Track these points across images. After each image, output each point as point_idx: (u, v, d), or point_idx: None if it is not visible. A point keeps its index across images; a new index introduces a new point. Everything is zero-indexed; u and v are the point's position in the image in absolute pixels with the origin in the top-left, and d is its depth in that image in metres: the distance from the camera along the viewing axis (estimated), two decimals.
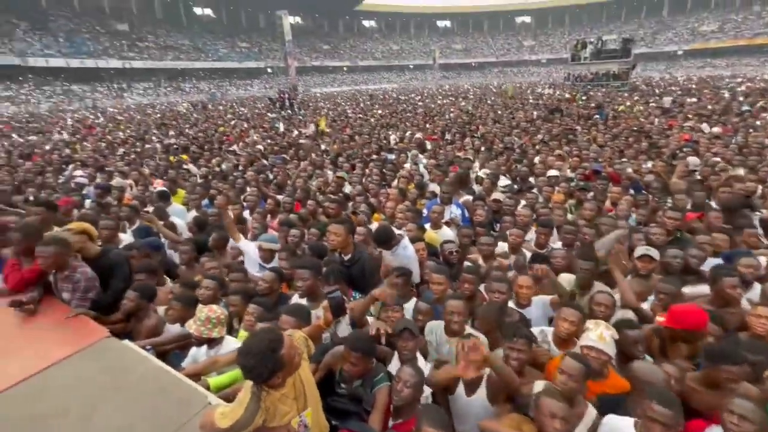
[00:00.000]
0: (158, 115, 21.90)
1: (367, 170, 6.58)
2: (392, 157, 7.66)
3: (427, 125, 11.84)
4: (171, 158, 8.73)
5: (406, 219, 3.90)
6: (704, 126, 9.27)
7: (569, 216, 4.31)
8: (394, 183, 5.82)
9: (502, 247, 3.57)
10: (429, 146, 8.62)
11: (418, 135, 9.88)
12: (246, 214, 4.97)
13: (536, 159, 6.92)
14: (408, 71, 67.33)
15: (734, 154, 6.30)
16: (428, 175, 6.33)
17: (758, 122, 9.33)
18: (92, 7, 45.80)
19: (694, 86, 21.32)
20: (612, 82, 23.11)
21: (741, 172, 5.24)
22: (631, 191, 4.84)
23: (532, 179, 5.74)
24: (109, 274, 2.75)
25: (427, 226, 3.98)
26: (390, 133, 10.89)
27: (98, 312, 2.56)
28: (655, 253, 2.85)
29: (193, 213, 5.01)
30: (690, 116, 11.15)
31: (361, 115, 16.18)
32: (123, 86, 41.45)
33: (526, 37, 73.52)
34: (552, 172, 5.76)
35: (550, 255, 3.20)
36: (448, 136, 9.59)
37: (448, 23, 78.14)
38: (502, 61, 69.09)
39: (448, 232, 3.84)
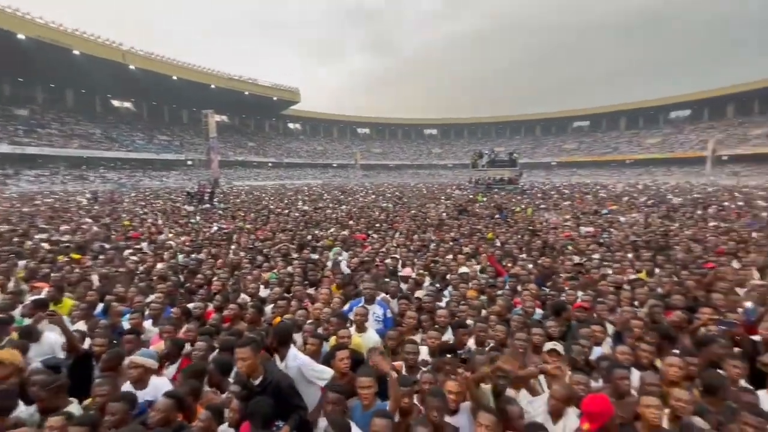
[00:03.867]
0: (47, 206, 19.23)
1: (290, 268, 6.45)
2: (316, 256, 7.67)
3: (350, 221, 12.29)
4: (60, 257, 7.56)
5: (333, 326, 3.72)
6: (581, 229, 10.96)
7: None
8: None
9: (423, 351, 3.46)
10: (351, 243, 8.87)
11: (345, 233, 10.13)
12: (147, 324, 4.42)
13: (449, 256, 7.42)
14: (332, 169, 71.32)
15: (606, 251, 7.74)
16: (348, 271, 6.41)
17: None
18: None
19: (567, 191, 25.92)
20: (507, 186, 27.26)
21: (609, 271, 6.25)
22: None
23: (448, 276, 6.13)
24: None
25: (352, 329, 3.75)
26: (315, 231, 11.00)
27: None
28: (560, 347, 3.02)
29: (81, 325, 4.30)
30: (568, 217, 13.51)
31: (285, 211, 16.19)
32: (9, 172, 36.69)
33: (434, 145, 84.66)
34: (463, 269, 6.23)
35: (471, 359, 3.13)
36: (372, 233, 9.99)
37: (367, 130, 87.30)
38: (415, 164, 77.56)
39: (374, 337, 3.70)
